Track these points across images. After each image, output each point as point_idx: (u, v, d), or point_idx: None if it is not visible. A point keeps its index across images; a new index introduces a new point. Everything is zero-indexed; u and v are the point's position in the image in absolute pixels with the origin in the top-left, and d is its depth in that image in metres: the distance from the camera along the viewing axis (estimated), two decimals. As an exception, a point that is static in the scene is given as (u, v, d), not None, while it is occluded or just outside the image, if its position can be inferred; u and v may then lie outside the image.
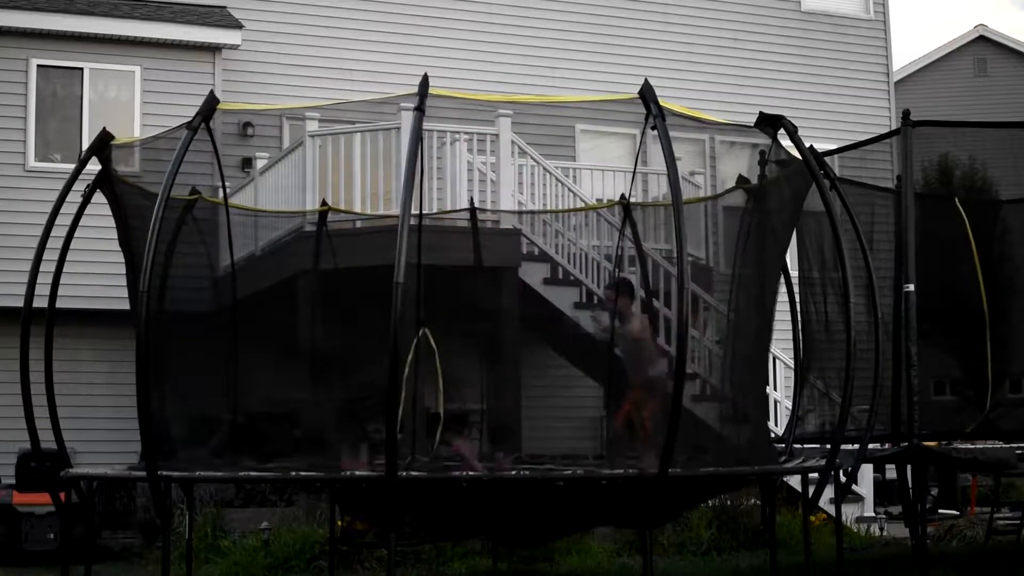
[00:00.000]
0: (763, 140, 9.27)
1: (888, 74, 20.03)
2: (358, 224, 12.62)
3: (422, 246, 10.04)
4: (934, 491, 16.07)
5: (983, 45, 29.58)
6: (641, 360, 10.23)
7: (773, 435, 12.13)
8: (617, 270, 12.06)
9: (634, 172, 12.33)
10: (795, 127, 8.58)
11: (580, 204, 13.59)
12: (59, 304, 8.71)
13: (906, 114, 10.23)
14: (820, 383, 10.90)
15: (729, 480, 9.23)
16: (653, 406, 9.61)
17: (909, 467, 11.11)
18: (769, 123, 8.79)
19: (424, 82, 7.82)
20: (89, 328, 14.34)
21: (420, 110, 7.67)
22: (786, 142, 8.87)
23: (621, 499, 8.17)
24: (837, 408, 9.09)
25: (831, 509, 11.83)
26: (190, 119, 8.09)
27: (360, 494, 8.70)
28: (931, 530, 12.51)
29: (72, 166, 8.74)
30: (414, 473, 8.18)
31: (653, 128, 7.73)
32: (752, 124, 8.94)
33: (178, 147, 7.89)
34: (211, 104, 8.28)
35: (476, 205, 12.35)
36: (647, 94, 7.83)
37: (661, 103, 7.80)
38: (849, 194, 9.28)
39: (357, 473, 8.41)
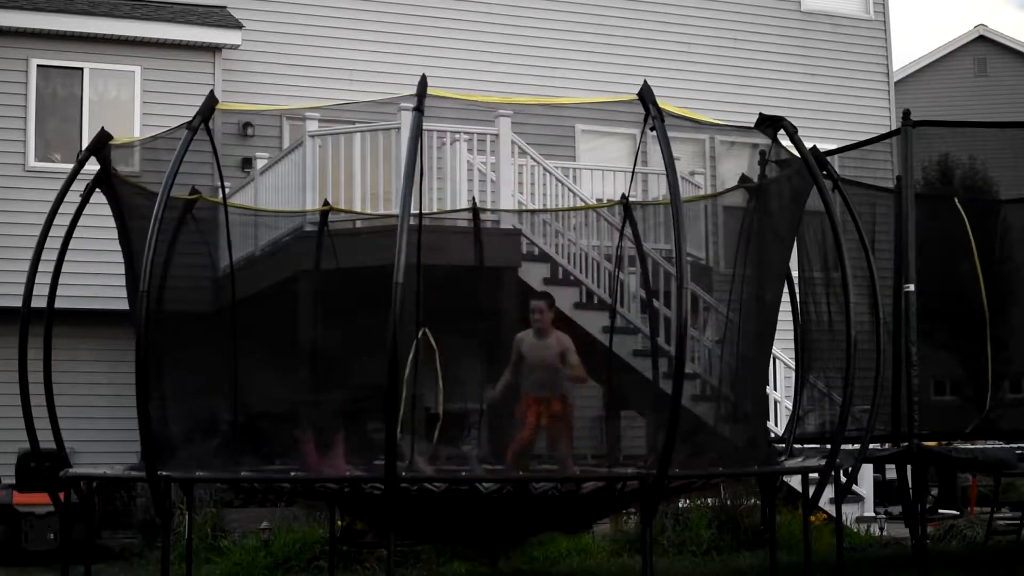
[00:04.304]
0: (763, 140, 9.27)
1: (888, 74, 20.02)
2: (358, 224, 12.61)
3: (422, 246, 10.03)
4: (934, 491, 16.07)
5: (983, 45, 29.58)
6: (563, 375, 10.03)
7: (773, 435, 12.14)
8: (617, 270, 12.06)
9: (633, 172, 12.31)
10: (795, 128, 8.56)
11: (580, 204, 13.58)
12: (58, 304, 8.69)
13: (906, 114, 10.22)
14: (820, 383, 10.89)
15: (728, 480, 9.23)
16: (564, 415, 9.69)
17: (909, 467, 11.11)
18: (769, 124, 8.78)
19: (423, 82, 7.82)
20: (89, 328, 14.33)
21: (419, 110, 7.67)
22: (786, 142, 8.87)
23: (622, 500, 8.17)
24: (837, 408, 9.08)
25: (831, 509, 11.83)
26: (190, 119, 8.08)
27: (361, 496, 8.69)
28: (931, 530, 12.50)
29: (72, 166, 8.73)
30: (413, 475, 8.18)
31: (652, 129, 7.72)
32: (752, 125, 8.93)
33: (178, 147, 7.88)
34: (211, 104, 8.27)
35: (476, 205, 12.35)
36: (646, 95, 7.82)
37: (660, 104, 7.79)
38: (849, 194, 9.28)
39: (358, 474, 8.40)
